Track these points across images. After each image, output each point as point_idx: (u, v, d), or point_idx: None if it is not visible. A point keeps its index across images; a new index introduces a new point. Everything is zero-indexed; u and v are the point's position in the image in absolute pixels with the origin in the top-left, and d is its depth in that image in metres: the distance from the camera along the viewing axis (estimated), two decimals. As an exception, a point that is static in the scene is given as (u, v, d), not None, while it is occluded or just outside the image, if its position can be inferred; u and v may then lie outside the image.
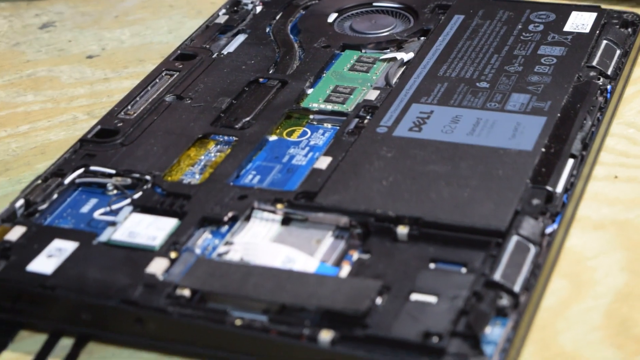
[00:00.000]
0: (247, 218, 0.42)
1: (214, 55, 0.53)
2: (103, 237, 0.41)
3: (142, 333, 0.38)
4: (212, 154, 0.46)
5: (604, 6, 0.55)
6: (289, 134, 0.48)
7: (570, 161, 0.44)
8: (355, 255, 0.40)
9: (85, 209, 0.43)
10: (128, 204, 0.43)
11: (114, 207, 0.43)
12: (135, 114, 0.49)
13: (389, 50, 0.53)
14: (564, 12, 0.55)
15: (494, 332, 0.37)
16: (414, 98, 0.48)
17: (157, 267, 0.39)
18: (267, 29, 0.56)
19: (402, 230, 0.40)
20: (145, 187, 0.44)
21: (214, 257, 0.40)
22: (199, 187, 0.43)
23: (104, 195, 0.44)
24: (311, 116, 0.49)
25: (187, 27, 0.59)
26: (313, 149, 0.47)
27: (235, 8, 0.58)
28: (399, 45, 0.54)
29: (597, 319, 0.39)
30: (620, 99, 0.51)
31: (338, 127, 0.47)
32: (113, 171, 0.45)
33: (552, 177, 0.43)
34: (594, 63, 0.51)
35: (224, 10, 0.57)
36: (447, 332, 0.36)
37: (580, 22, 0.54)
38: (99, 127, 0.48)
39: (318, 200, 0.42)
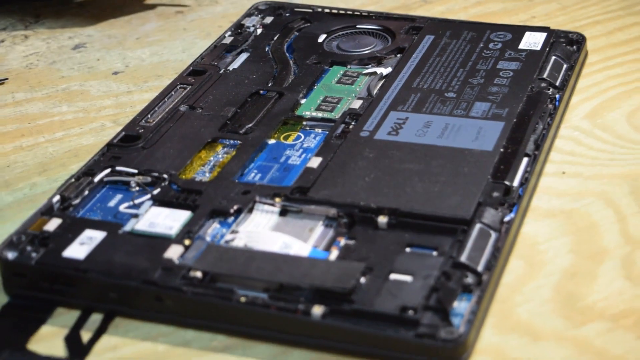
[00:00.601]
0: (250, 210, 0.42)
1: (221, 71, 0.53)
2: (127, 227, 0.41)
3: (161, 309, 0.38)
4: (220, 156, 0.46)
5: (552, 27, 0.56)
6: (286, 138, 0.48)
7: (525, 159, 0.44)
8: (342, 241, 0.40)
9: (112, 203, 0.43)
10: (148, 199, 0.43)
11: (137, 201, 0.43)
12: (154, 122, 0.48)
13: (370, 65, 0.53)
14: (519, 33, 0.55)
15: (461, 306, 0.37)
16: (392, 106, 0.48)
17: (174, 252, 0.39)
18: (267, 48, 0.55)
19: (382, 219, 0.40)
20: (163, 184, 0.44)
21: (222, 244, 0.40)
22: (209, 184, 0.43)
23: (128, 191, 0.44)
24: (304, 122, 0.49)
25: (198, 47, 0.59)
26: (306, 151, 0.46)
27: (239, 30, 0.58)
28: (379, 62, 0.54)
29: (548, 293, 0.39)
30: (567, 106, 0.51)
31: (327, 132, 0.47)
32: (135, 171, 0.45)
33: (510, 173, 0.43)
34: (545, 76, 0.51)
35: (229, 33, 0.57)
36: (421, 307, 0.36)
37: (532, 40, 0.54)
38: (123, 133, 0.48)
39: (310, 195, 0.42)
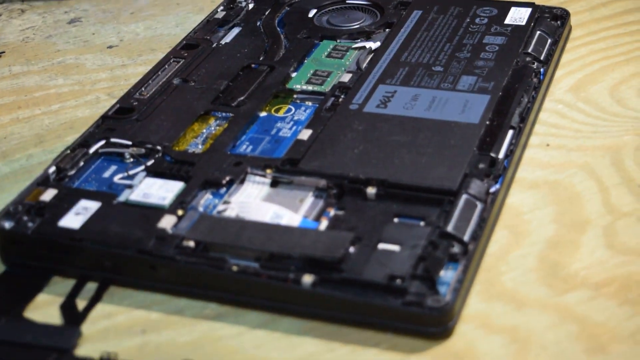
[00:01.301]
0: (242, 181, 0.42)
1: (214, 45, 0.52)
2: (122, 198, 0.40)
3: (155, 278, 0.38)
4: (213, 128, 0.46)
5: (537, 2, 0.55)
6: (277, 111, 0.47)
7: (510, 132, 0.44)
8: (332, 211, 0.40)
9: (106, 174, 0.43)
10: (142, 170, 0.42)
11: (131, 172, 0.42)
12: (148, 95, 0.48)
13: (359, 40, 0.53)
14: (504, 8, 0.54)
15: (447, 274, 0.37)
16: (380, 80, 0.48)
17: (167, 222, 0.39)
18: (258, 23, 0.55)
19: (371, 190, 0.40)
20: (156, 155, 0.43)
21: (214, 214, 0.40)
22: (202, 156, 0.43)
23: (122, 162, 0.43)
24: (295, 95, 0.48)
25: (191, 22, 0.58)
26: (297, 123, 0.46)
27: (232, 5, 0.57)
28: (368, 36, 0.53)
29: (532, 262, 0.39)
30: (551, 80, 0.51)
31: (317, 105, 0.47)
32: (130, 142, 0.44)
33: (495, 145, 0.43)
34: (529, 50, 0.50)
35: (222, 7, 0.57)
36: (409, 275, 0.36)
37: (518, 16, 0.53)
38: (117, 105, 0.47)
39: (301, 166, 0.42)
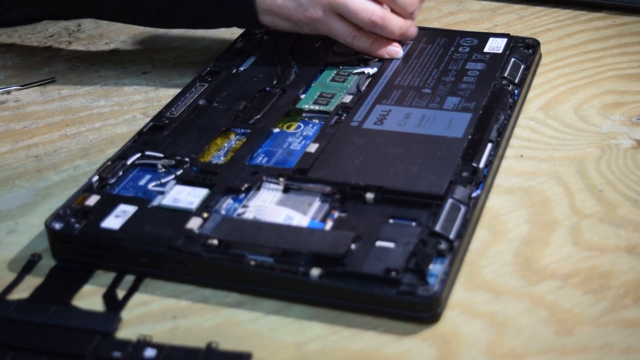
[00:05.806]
0: (258, 188, 0.42)
1: (234, 71, 0.52)
2: (155, 202, 0.41)
3: (183, 271, 0.38)
4: (233, 142, 0.46)
5: (512, 34, 0.55)
6: (288, 127, 0.47)
7: (489, 145, 0.44)
8: (336, 214, 0.40)
9: (142, 182, 0.43)
10: (173, 179, 0.42)
11: (163, 180, 0.42)
12: (177, 114, 0.48)
13: (359, 66, 0.53)
14: (483, 38, 0.54)
15: (435, 268, 0.37)
16: (377, 100, 0.48)
17: (194, 223, 0.39)
18: (272, 52, 0.55)
19: (370, 195, 0.40)
20: (185, 166, 0.43)
21: (234, 216, 0.40)
22: (224, 166, 0.43)
23: (155, 172, 0.43)
24: (304, 114, 0.48)
25: (214, 51, 0.59)
26: (305, 138, 0.46)
27: (248, 37, 0.57)
28: (366, 63, 0.53)
29: (508, 257, 0.39)
30: (524, 100, 0.51)
31: (323, 122, 0.47)
32: (162, 155, 0.44)
33: (476, 156, 0.43)
34: (505, 74, 0.50)
35: (240, 39, 0.57)
36: (402, 269, 0.36)
37: (495, 45, 0.53)
38: (151, 123, 0.47)
39: (309, 175, 0.42)
